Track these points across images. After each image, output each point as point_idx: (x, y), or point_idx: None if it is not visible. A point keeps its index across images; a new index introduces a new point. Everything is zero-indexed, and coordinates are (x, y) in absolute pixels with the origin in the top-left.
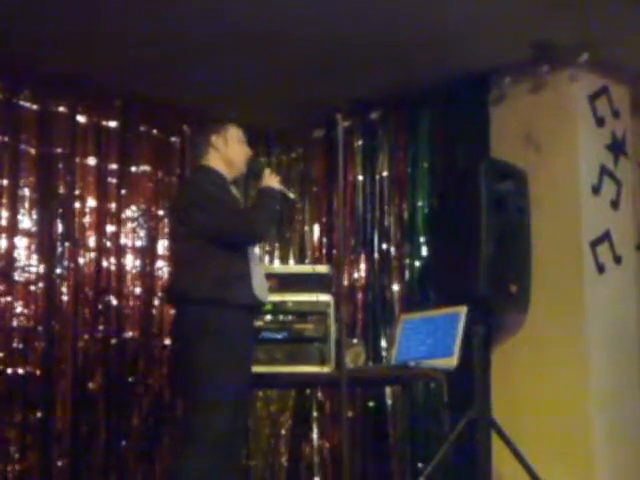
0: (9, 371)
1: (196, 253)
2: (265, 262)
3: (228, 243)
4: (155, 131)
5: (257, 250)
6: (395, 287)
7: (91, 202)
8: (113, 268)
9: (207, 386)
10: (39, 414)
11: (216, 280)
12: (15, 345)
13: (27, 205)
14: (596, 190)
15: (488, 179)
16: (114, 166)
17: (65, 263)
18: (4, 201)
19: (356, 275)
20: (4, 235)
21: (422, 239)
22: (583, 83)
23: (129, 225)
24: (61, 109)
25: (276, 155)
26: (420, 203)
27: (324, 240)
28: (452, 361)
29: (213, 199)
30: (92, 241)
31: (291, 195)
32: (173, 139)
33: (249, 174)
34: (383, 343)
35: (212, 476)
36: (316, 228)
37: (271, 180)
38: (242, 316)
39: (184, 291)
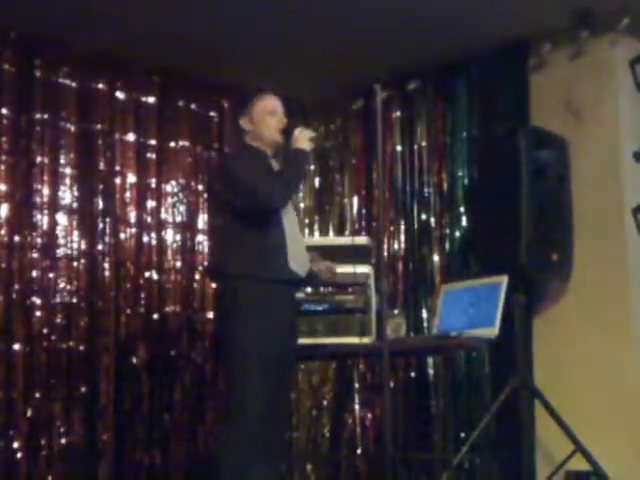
0: (53, 347)
1: (228, 228)
2: (305, 235)
3: (247, 216)
4: (193, 106)
5: (295, 221)
6: (435, 257)
7: (131, 178)
8: (154, 243)
9: (240, 363)
10: (83, 389)
11: (248, 255)
12: (58, 321)
13: (68, 182)
14: (638, 157)
15: (528, 147)
16: (153, 142)
17: (106, 239)
18: (45, 178)
19: (396, 246)
20: (46, 212)
21: (462, 209)
22: (623, 48)
23: (169, 200)
24: (100, 86)
25: (315, 127)
26: (459, 173)
27: (363, 211)
28: (493, 330)
29: (230, 175)
30: (133, 217)
31: (326, 144)
32: (212, 114)
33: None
34: (424, 313)
35: (250, 457)
36: (355, 200)
37: (301, 139)
38: (277, 290)
39: (217, 267)
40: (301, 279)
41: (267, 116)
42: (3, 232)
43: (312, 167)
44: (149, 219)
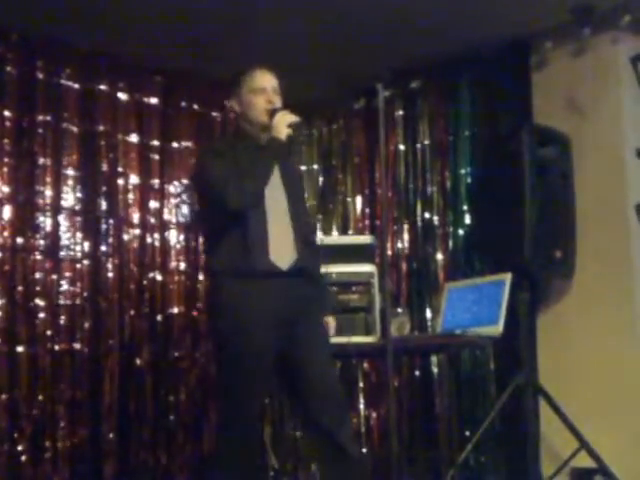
0: (56, 348)
1: (211, 225)
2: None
3: (218, 214)
4: (196, 106)
5: (283, 209)
6: (439, 256)
7: (134, 179)
8: (157, 244)
9: (220, 365)
10: (87, 390)
11: (228, 250)
12: (62, 322)
13: (71, 183)
14: None
15: (531, 145)
16: (156, 142)
17: (110, 240)
18: (48, 180)
19: (400, 245)
20: (48, 214)
21: (465, 207)
22: (625, 45)
23: (172, 201)
24: (102, 87)
25: (317, 127)
26: (462, 171)
27: (367, 211)
28: (497, 328)
29: (198, 173)
30: (136, 218)
31: (304, 131)
32: (214, 114)
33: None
34: (428, 312)
35: (229, 458)
36: (358, 199)
37: (278, 126)
38: (259, 284)
39: (206, 265)
40: (283, 271)
41: (254, 95)
42: (6, 234)
43: (315, 166)
44: (152, 220)
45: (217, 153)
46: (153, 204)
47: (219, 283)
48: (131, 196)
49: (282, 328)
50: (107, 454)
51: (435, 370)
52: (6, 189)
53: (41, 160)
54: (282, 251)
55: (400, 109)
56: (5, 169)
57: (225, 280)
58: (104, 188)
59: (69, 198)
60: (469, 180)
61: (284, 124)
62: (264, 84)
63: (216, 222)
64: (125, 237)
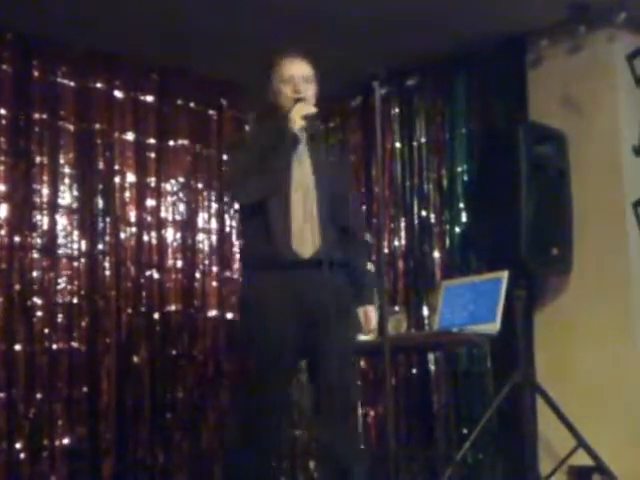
0: (54, 347)
1: (240, 215)
2: None
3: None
4: (192, 104)
5: (312, 197)
6: (436, 254)
7: (130, 177)
8: (154, 242)
9: (246, 353)
10: (85, 389)
11: (252, 241)
12: (59, 321)
13: (67, 182)
14: (637, 151)
15: (527, 142)
16: (152, 140)
17: (106, 238)
18: (45, 178)
19: (396, 243)
20: (45, 212)
21: (462, 205)
22: (621, 43)
23: (169, 199)
24: (98, 85)
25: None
26: (459, 169)
27: (363, 209)
28: (494, 326)
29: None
30: (132, 216)
31: (317, 122)
32: (210, 112)
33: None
34: (425, 310)
35: (241, 449)
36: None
37: (294, 117)
38: (282, 275)
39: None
40: (305, 260)
41: (283, 84)
42: (3, 232)
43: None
44: (149, 218)
45: (234, 147)
46: (150, 202)
47: (244, 274)
48: (128, 194)
49: (304, 319)
50: (105, 452)
51: (432, 368)
52: (3, 188)
53: (38, 158)
54: (305, 239)
55: (396, 107)
56: (2, 168)
57: (248, 271)
58: (101, 186)
59: (66, 196)
60: (466, 178)
61: (299, 115)
62: (291, 72)
63: (242, 214)
64: (122, 235)
